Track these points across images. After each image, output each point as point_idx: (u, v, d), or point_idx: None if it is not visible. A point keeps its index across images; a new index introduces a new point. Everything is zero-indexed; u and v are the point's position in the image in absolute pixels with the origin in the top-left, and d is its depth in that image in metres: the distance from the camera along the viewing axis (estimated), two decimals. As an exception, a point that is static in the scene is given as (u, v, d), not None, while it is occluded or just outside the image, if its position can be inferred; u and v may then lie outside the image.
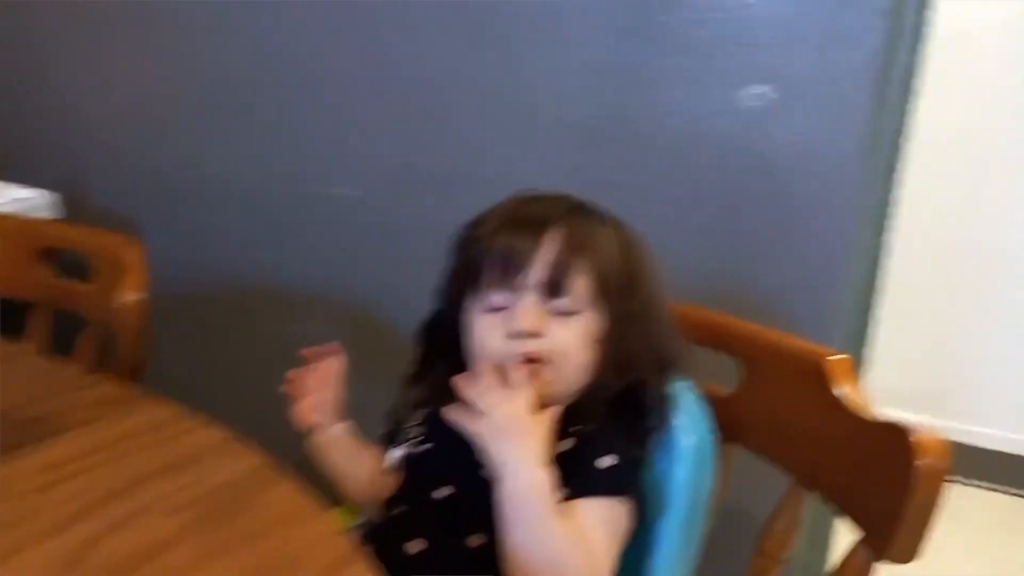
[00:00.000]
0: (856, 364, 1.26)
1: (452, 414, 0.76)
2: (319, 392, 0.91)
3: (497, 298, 0.79)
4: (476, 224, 0.83)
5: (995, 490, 2.22)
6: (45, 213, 1.45)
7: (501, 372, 0.77)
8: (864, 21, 0.99)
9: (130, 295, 1.02)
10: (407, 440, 0.86)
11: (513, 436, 0.74)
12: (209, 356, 1.54)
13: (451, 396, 0.80)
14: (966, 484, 2.24)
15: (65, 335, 1.11)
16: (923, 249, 2.19)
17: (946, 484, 0.65)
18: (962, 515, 2.09)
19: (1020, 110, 2.10)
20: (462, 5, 1.21)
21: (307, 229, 1.40)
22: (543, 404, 0.78)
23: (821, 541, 1.33)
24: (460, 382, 0.76)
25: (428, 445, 0.85)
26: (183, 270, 1.50)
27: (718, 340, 0.89)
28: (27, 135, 1.62)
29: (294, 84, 1.36)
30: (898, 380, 2.27)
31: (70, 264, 1.15)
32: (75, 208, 1.51)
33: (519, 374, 0.76)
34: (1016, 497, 2.23)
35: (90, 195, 1.56)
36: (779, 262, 1.10)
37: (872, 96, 1.02)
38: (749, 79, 1.05)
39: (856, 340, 1.25)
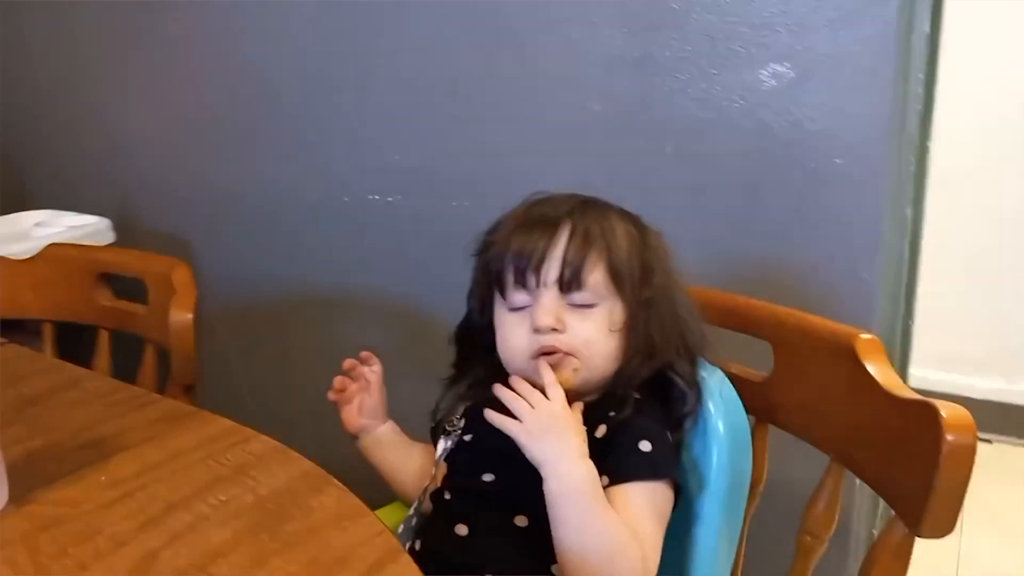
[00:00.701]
0: (903, 336, 1.25)
1: (492, 418, 0.78)
2: (363, 397, 0.95)
3: (518, 297, 0.83)
4: (493, 229, 0.86)
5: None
6: (99, 238, 1.51)
7: (531, 378, 0.80)
8: (879, -8, 0.98)
9: (180, 315, 1.07)
10: (450, 433, 0.90)
11: (551, 434, 0.76)
12: (264, 363, 1.60)
13: (489, 392, 0.83)
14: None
15: (131, 355, 1.17)
16: (970, 210, 2.14)
17: (972, 460, 0.65)
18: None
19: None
20: (475, 8, 1.23)
21: (349, 235, 1.44)
22: (573, 396, 0.81)
23: (888, 511, 1.32)
24: (497, 389, 0.79)
25: (469, 436, 0.88)
26: (234, 282, 1.55)
27: (747, 324, 0.89)
28: (77, 163, 1.69)
29: (325, 101, 1.39)
30: (959, 345, 2.23)
31: (132, 286, 1.21)
32: (128, 231, 1.57)
33: (548, 374, 0.79)
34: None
35: (140, 217, 1.62)
36: (813, 241, 1.10)
37: (894, 66, 1.01)
38: (765, 59, 1.05)
39: (900, 312, 1.24)
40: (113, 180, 1.65)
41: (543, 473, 0.76)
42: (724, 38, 1.07)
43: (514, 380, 0.79)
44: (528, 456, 0.76)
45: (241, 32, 1.44)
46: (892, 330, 1.18)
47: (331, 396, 0.95)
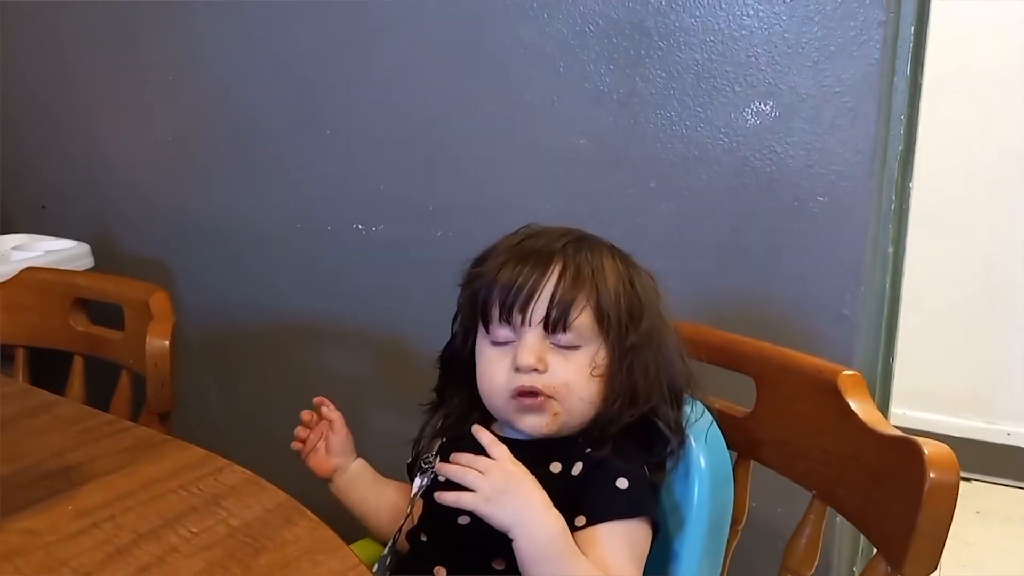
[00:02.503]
0: (883, 373, 1.26)
1: (445, 499, 0.74)
2: (328, 437, 0.93)
3: (502, 332, 0.82)
4: (482, 259, 0.85)
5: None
6: (78, 263, 1.49)
7: (509, 416, 0.79)
8: (861, 33, 1.00)
9: (156, 341, 1.05)
10: (426, 471, 0.88)
11: (509, 494, 0.73)
12: (242, 391, 1.58)
13: (465, 428, 0.83)
14: (1014, 487, 2.20)
15: (106, 382, 1.15)
16: (955, 249, 2.17)
17: (955, 497, 0.65)
18: (1014, 517, 2.06)
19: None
20: (461, 43, 1.24)
21: (332, 264, 1.44)
22: (552, 436, 0.80)
23: (868, 549, 1.31)
24: (441, 468, 0.76)
25: (444, 476, 0.86)
26: (213, 310, 1.54)
27: (730, 359, 0.89)
28: (55, 187, 1.68)
29: (308, 130, 1.39)
30: (944, 384, 2.24)
31: (109, 312, 1.19)
32: (106, 256, 1.56)
33: (484, 435, 0.76)
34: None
35: (119, 242, 1.61)
36: (794, 277, 1.10)
37: (876, 106, 1.02)
38: (749, 98, 1.06)
39: (882, 349, 1.24)
40: (93, 205, 1.63)
41: (512, 535, 0.73)
42: (709, 76, 1.09)
43: (455, 455, 0.76)
44: (493, 524, 0.73)
45: (223, 58, 1.44)
46: (873, 367, 1.18)
47: (294, 446, 0.93)
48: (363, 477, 0.94)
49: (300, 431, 0.93)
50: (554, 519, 0.73)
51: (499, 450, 0.75)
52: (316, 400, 0.93)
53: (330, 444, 0.92)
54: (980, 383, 2.27)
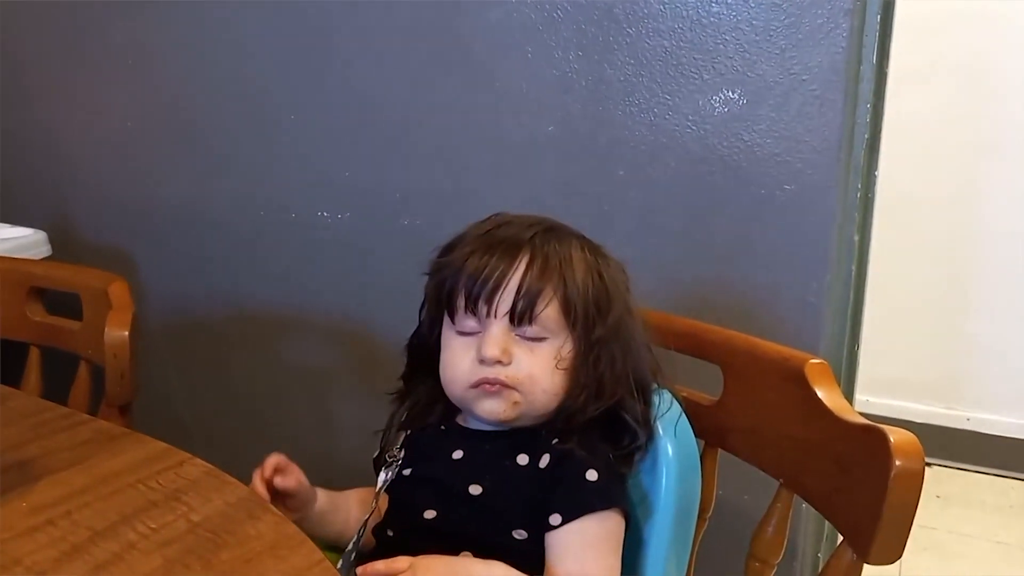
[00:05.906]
0: (848, 361, 1.27)
1: None
2: (286, 504, 0.86)
3: (468, 322, 0.81)
4: (450, 247, 0.83)
5: (1004, 476, 2.23)
6: (34, 251, 1.45)
7: (469, 406, 0.80)
8: (828, 21, 1.00)
9: (115, 332, 1.03)
10: (391, 465, 0.87)
11: None
12: (206, 383, 1.55)
13: (429, 418, 0.84)
14: (974, 471, 2.25)
15: (63, 374, 1.13)
16: (917, 238, 2.20)
17: (920, 485, 0.65)
18: (973, 501, 2.11)
19: (993, 94, 2.11)
20: (428, 28, 1.22)
21: (297, 252, 1.41)
22: (511, 423, 0.80)
23: (832, 536, 1.33)
24: None
25: (409, 470, 0.85)
26: (175, 300, 1.51)
27: (697, 347, 0.89)
28: (11, 173, 1.63)
29: (272, 115, 1.37)
30: (905, 370, 2.27)
31: (66, 302, 1.16)
32: (64, 244, 1.52)
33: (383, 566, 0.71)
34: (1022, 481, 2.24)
35: (77, 230, 1.57)
36: (761, 265, 1.11)
37: (843, 94, 1.03)
38: (717, 86, 1.06)
39: (847, 336, 1.25)
40: (50, 191, 1.59)
41: None
42: (677, 63, 1.09)
43: (368, 569, 0.71)
44: None
45: (187, 41, 1.41)
46: (839, 355, 1.19)
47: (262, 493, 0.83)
48: (323, 513, 0.89)
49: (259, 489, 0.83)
50: (496, 570, 0.73)
51: (402, 563, 0.70)
52: (267, 474, 0.83)
53: (288, 506, 0.86)
54: (941, 370, 2.30)
